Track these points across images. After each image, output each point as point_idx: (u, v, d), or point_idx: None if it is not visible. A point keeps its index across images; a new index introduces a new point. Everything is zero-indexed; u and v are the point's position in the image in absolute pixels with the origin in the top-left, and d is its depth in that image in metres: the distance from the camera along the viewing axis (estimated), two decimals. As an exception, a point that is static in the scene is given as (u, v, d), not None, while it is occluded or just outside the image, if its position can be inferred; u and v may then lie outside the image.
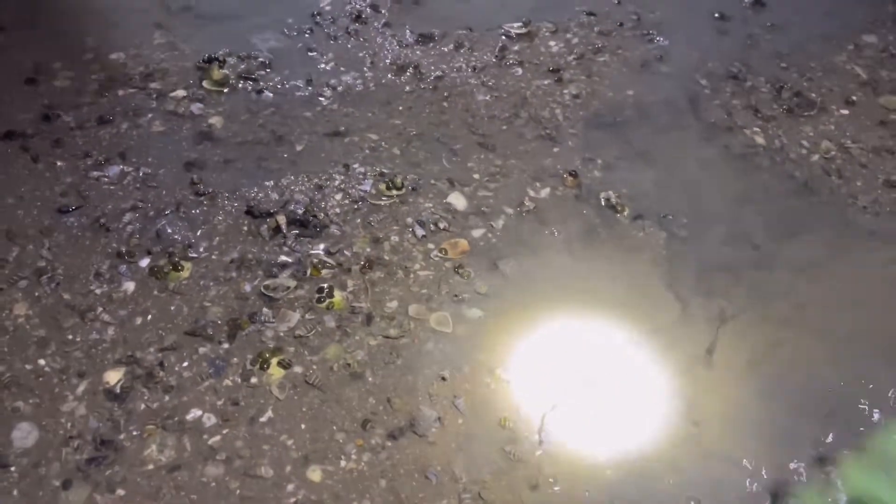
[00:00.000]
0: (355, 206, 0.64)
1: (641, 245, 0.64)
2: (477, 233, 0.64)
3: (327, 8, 0.86)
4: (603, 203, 0.67)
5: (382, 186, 0.66)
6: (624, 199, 0.68)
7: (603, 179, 0.70)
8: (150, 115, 0.72)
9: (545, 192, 0.68)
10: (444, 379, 0.55)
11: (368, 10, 0.86)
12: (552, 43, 0.84)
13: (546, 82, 0.79)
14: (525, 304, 0.59)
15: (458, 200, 0.66)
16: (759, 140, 0.74)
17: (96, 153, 0.67)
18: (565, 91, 0.78)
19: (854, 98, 0.79)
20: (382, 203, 0.65)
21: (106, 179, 0.65)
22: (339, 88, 0.77)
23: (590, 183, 0.69)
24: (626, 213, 0.67)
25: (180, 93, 0.74)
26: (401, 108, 0.75)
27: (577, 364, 0.57)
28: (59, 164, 0.66)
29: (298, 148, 0.70)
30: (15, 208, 0.62)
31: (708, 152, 0.72)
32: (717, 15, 0.89)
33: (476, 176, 0.69)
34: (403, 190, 0.66)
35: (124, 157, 0.67)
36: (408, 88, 0.78)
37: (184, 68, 0.77)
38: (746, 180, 0.70)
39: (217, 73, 0.76)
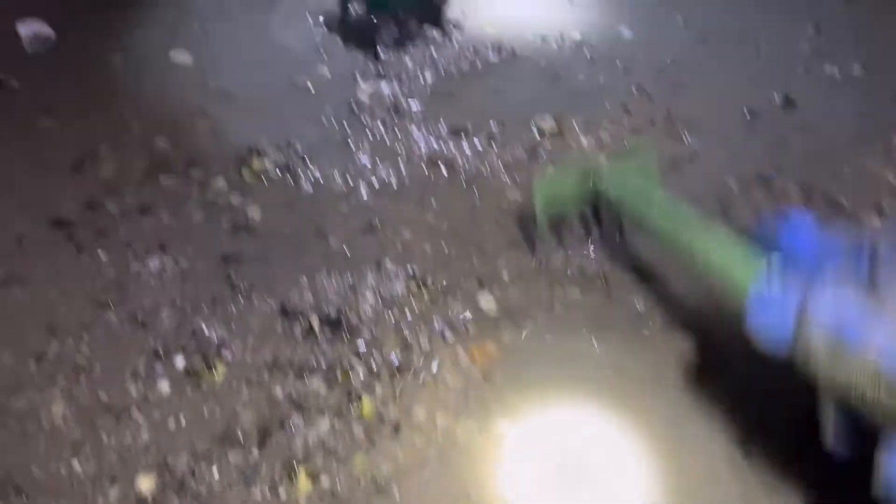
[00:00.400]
0: (386, 307, 0.65)
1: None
2: (507, 337, 0.64)
3: (365, 98, 0.89)
4: (638, 308, 0.67)
5: (413, 286, 0.67)
6: (653, 306, 0.68)
7: (635, 279, 0.70)
8: (190, 205, 0.74)
9: (575, 294, 0.69)
10: (468, 496, 0.55)
11: (404, 101, 0.89)
12: (583, 139, 0.86)
13: (577, 180, 0.80)
14: (555, 415, 0.59)
15: (488, 303, 0.67)
16: (790, 248, 0.74)
17: (137, 244, 0.69)
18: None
19: (884, 204, 0.79)
20: (413, 304, 0.66)
21: (146, 273, 0.67)
22: (374, 182, 0.78)
23: (621, 284, 0.70)
24: (655, 323, 0.67)
25: (221, 182, 0.77)
26: (434, 203, 0.77)
27: (607, 485, 0.56)
28: (101, 255, 0.68)
29: (332, 242, 0.72)
30: (58, 301, 0.64)
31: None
32: (747, 113, 0.90)
33: (506, 277, 0.69)
34: (433, 291, 0.67)
35: (164, 249, 0.69)
36: (440, 183, 0.79)
37: (225, 157, 0.79)
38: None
39: (257, 164, 0.78)
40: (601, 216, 0.68)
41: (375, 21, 0.98)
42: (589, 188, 0.66)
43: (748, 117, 0.90)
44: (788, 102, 0.92)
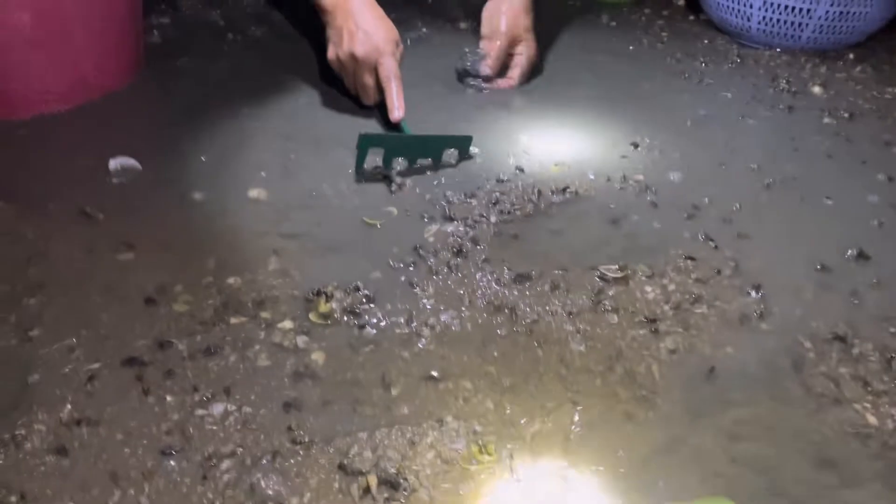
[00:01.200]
0: (446, 469, 0.64)
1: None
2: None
3: (430, 240, 0.91)
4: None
5: (475, 449, 0.65)
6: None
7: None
8: (257, 347, 0.75)
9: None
10: None
11: (469, 244, 0.90)
12: (648, 288, 0.85)
13: (642, 332, 0.79)
14: None
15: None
16: (871, 419, 0.70)
17: (203, 388, 0.70)
18: (661, 344, 0.78)
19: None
20: (473, 469, 0.64)
21: (210, 419, 0.67)
22: (437, 328, 0.79)
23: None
24: None
25: (287, 324, 0.78)
26: (495, 353, 0.76)
27: None
28: (168, 398, 0.69)
29: (394, 392, 0.71)
30: (122, 445, 0.64)
31: (813, 428, 0.69)
32: (818, 267, 0.89)
33: (571, 441, 0.67)
34: (495, 457, 0.65)
35: (229, 394, 0.70)
36: (503, 332, 0.79)
37: (293, 298, 0.81)
38: (858, 465, 0.67)
39: (323, 306, 0.79)
40: None
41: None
42: None
43: (819, 271, 0.88)
44: (862, 256, 0.90)
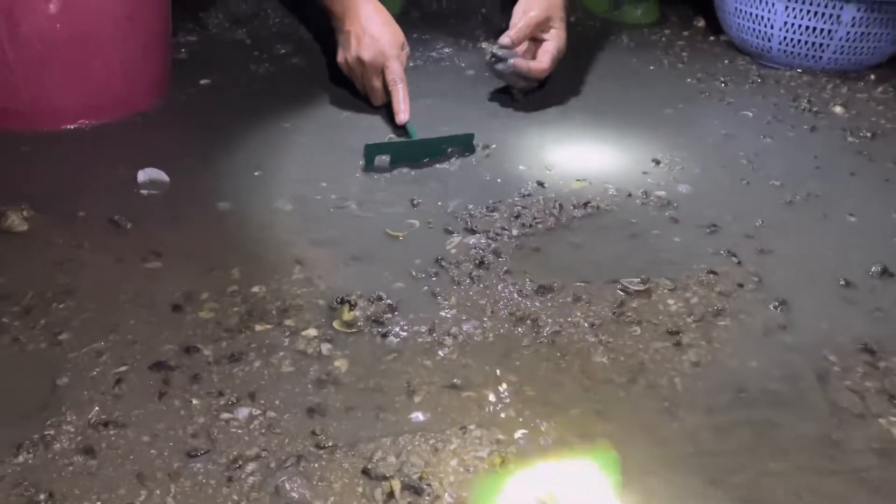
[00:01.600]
0: (469, 476, 0.64)
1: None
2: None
3: (452, 251, 0.91)
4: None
5: (497, 460, 0.65)
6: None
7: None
8: (281, 354, 0.76)
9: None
10: None
11: (491, 256, 0.91)
12: (671, 301, 0.85)
13: (665, 345, 0.79)
14: None
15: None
16: (897, 433, 0.70)
17: (229, 392, 0.71)
18: (684, 357, 0.78)
19: None
20: (496, 477, 0.64)
21: (235, 422, 0.68)
22: (459, 338, 0.79)
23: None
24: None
25: (311, 332, 0.78)
26: (518, 363, 0.77)
27: None
28: (194, 401, 0.70)
29: (417, 399, 0.72)
30: (148, 447, 0.65)
31: (838, 442, 0.69)
32: (842, 282, 0.88)
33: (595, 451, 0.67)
34: (518, 466, 0.65)
35: (253, 398, 0.70)
36: (525, 342, 0.79)
37: (317, 306, 0.82)
38: (884, 480, 0.66)
39: (347, 315, 0.80)
40: None
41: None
42: None
43: (843, 286, 0.88)
44: (886, 273, 0.89)
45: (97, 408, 0.68)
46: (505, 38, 1.04)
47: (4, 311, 0.80)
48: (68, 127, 1.13)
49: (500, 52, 1.10)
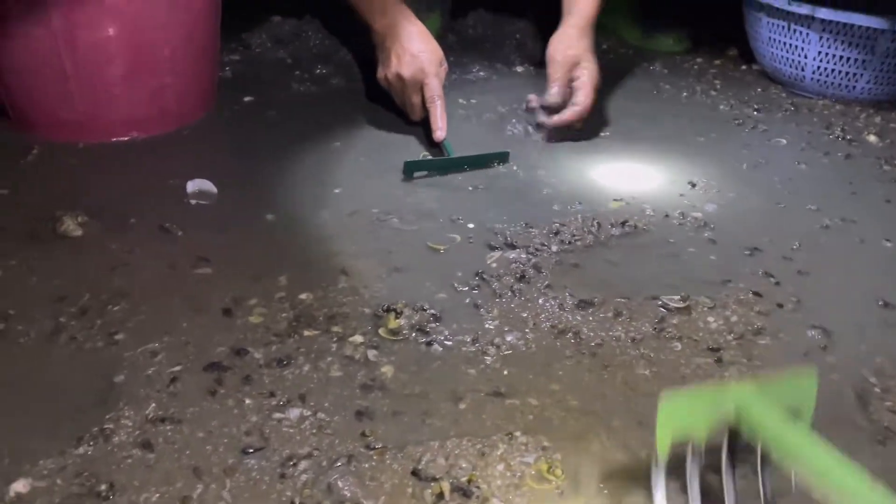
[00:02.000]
0: (517, 482, 0.65)
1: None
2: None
3: (493, 265, 0.93)
4: None
5: (543, 466, 0.66)
6: None
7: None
8: (329, 359, 0.78)
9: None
10: None
11: (531, 270, 0.92)
12: (711, 319, 0.86)
13: (706, 360, 0.80)
14: None
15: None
16: (941, 453, 0.70)
17: (280, 393, 0.73)
18: (726, 373, 0.78)
19: None
20: (543, 483, 0.65)
21: (287, 422, 0.69)
22: (503, 348, 0.80)
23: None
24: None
25: (358, 338, 0.80)
26: (560, 372, 0.78)
27: None
28: (246, 401, 0.72)
29: (462, 406, 0.73)
30: (203, 443, 0.67)
31: (880, 463, 0.69)
32: (880, 303, 0.89)
33: (638, 461, 0.68)
34: (564, 472, 0.66)
35: (304, 400, 0.72)
36: (567, 353, 0.80)
37: (363, 314, 0.84)
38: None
39: (393, 322, 0.82)
40: (736, 449, 0.59)
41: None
42: (726, 416, 0.56)
43: (882, 308, 0.88)
44: (925, 296, 0.90)
45: (153, 404, 0.71)
46: (551, 98, 1.11)
47: (61, 311, 0.83)
48: (121, 139, 1.17)
49: (547, 121, 1.15)
